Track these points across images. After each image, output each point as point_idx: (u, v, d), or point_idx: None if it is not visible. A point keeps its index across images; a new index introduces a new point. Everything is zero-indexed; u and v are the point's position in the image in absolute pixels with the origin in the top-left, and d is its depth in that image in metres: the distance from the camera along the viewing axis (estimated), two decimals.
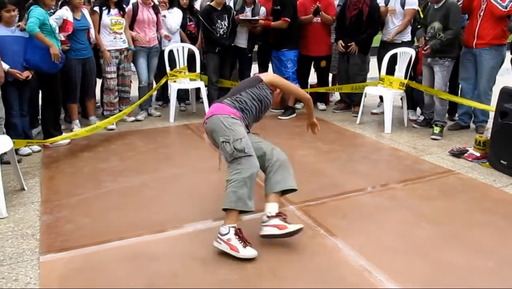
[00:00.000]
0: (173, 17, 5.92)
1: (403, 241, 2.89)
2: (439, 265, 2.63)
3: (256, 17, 5.89)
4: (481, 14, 4.87)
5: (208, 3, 5.91)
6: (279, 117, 5.96)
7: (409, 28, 5.80)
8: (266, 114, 3.34)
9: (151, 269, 2.58)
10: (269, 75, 3.28)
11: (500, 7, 4.70)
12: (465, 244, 2.87)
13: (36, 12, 4.31)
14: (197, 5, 6.41)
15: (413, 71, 5.68)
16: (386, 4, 5.80)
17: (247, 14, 5.97)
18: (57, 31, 4.70)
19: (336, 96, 6.93)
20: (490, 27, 4.84)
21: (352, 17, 5.78)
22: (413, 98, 5.88)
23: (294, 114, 6.10)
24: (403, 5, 5.67)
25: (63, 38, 4.85)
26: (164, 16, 5.87)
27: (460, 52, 5.17)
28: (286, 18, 5.81)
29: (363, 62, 6.08)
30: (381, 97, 6.14)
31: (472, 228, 3.06)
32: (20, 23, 4.40)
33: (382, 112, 5.63)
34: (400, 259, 2.69)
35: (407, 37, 5.77)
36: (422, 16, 5.52)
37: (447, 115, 5.44)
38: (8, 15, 4.19)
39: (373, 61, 6.28)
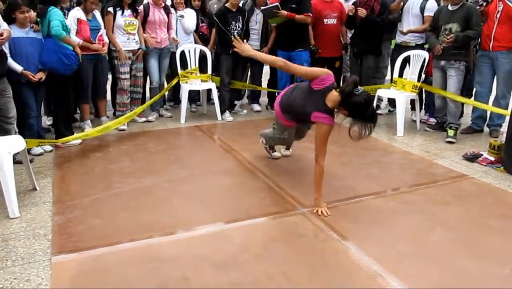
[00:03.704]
0: (189, 17, 5.92)
1: (417, 246, 2.85)
2: (453, 271, 2.59)
3: (276, 4, 5.66)
4: (498, 16, 4.81)
5: (215, 5, 5.88)
6: None
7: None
8: None
9: (162, 272, 2.56)
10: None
11: None
12: (480, 250, 2.82)
13: (57, 15, 4.36)
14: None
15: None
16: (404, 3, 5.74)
17: (258, 17, 5.95)
18: (73, 32, 4.74)
19: None
20: (507, 29, 4.78)
21: (363, 17, 5.69)
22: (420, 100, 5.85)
23: None
24: (422, 9, 5.60)
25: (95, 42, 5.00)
26: (182, 16, 5.85)
27: (473, 59, 5.11)
28: (309, 14, 5.71)
29: (377, 65, 6.02)
30: (388, 99, 6.12)
31: (487, 234, 3.01)
32: (34, 24, 4.42)
33: (387, 114, 5.56)
34: (413, 264, 2.66)
35: (422, 40, 5.71)
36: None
37: None
38: (23, 16, 4.21)
39: None
